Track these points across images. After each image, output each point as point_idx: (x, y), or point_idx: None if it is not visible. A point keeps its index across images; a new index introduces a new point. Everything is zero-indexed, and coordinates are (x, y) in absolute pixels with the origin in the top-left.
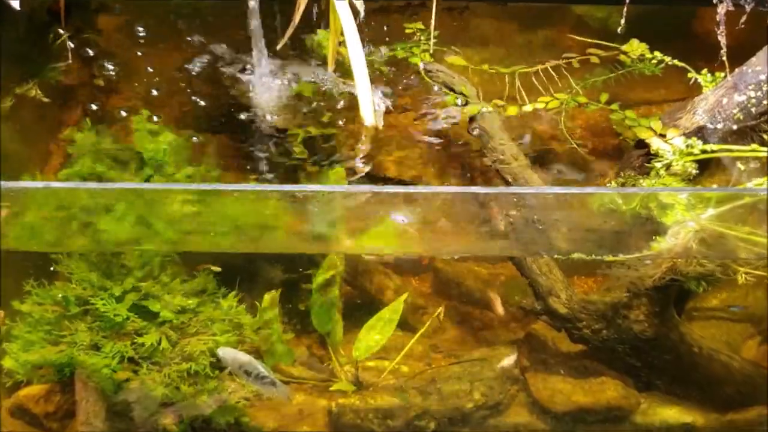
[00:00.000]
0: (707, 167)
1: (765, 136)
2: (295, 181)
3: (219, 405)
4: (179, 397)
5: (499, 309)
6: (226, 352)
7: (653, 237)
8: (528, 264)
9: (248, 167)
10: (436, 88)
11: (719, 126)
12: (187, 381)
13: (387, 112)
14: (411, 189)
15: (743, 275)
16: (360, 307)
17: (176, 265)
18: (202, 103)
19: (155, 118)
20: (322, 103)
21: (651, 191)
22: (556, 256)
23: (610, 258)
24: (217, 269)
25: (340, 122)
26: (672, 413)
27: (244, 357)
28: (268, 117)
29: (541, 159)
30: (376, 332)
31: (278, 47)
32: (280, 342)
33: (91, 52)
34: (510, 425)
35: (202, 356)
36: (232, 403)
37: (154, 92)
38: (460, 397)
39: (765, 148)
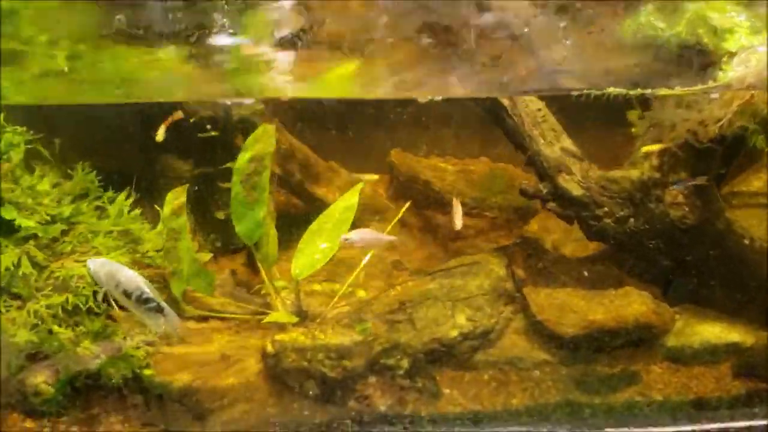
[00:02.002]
0: None
1: None
2: None
3: (111, 354)
4: (54, 345)
5: (458, 221)
6: (97, 266)
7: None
8: (527, 130)
9: None
10: None
11: None
12: (62, 321)
13: None
14: None
15: None
16: (298, 217)
17: (46, 163)
18: None
19: None
20: None
21: None
22: (586, 91)
23: (664, 92)
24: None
25: None
26: (714, 331)
27: (123, 272)
28: None
29: None
30: (322, 238)
31: None
32: (192, 260)
33: None
34: (506, 359)
35: (82, 284)
36: (129, 351)
37: None
38: (440, 323)
39: None
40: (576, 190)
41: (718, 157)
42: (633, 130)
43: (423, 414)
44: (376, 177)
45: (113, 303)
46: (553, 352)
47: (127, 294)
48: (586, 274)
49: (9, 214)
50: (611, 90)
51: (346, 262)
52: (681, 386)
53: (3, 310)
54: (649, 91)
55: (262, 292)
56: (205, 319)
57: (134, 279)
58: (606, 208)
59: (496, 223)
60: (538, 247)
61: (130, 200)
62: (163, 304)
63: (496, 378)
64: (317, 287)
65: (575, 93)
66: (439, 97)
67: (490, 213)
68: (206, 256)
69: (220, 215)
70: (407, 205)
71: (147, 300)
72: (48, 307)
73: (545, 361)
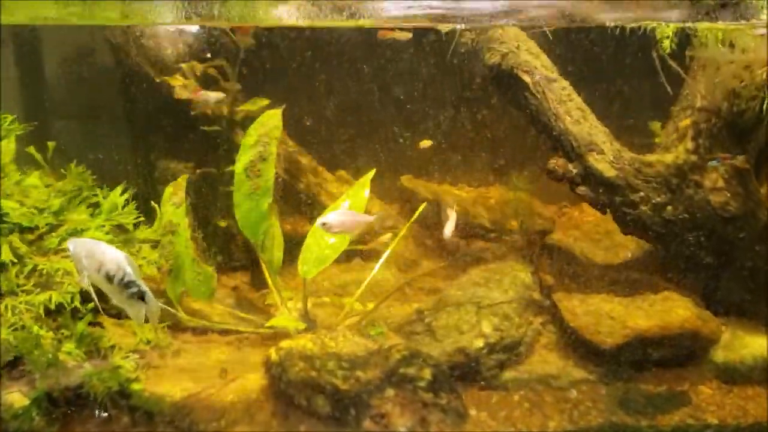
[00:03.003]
0: None
1: None
2: None
3: (96, 365)
4: (32, 350)
5: (448, 229)
6: (77, 246)
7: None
8: (552, 108)
9: None
10: None
11: None
12: (44, 323)
13: None
14: None
15: None
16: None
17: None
18: None
19: None
20: None
21: None
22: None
23: (706, 25)
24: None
25: None
26: (765, 344)
27: (106, 252)
28: None
29: None
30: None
31: None
32: (191, 259)
33: None
34: (538, 377)
35: (67, 280)
36: (115, 362)
37: None
38: (463, 331)
39: None
40: (608, 171)
41: (755, 139)
42: (656, 140)
43: None
44: (430, 142)
45: (99, 307)
46: (590, 368)
47: (109, 277)
48: (598, 285)
49: None
50: (646, 23)
51: (357, 279)
52: (737, 408)
53: None
54: (689, 24)
55: (267, 302)
56: (203, 331)
57: (118, 259)
58: (642, 193)
59: (516, 246)
60: (564, 254)
61: (126, 195)
62: (146, 288)
63: (528, 398)
64: (326, 299)
65: (610, 25)
66: (461, 26)
67: (508, 237)
68: (208, 269)
69: (222, 223)
70: (423, 206)
71: (129, 284)
72: (29, 304)
73: (583, 379)
